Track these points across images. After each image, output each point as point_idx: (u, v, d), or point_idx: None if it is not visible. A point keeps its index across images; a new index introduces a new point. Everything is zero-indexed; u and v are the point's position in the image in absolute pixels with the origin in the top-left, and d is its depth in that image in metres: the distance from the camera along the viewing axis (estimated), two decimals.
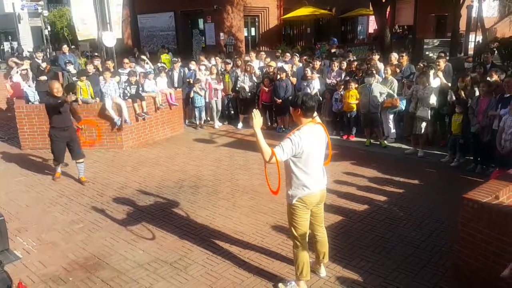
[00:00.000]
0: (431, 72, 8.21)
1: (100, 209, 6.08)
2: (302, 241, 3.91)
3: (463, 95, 7.51)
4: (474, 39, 21.68)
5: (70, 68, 10.34)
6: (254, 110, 3.61)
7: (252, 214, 5.77)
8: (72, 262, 4.71)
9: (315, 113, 3.83)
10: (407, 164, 7.78)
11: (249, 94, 10.58)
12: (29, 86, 10.99)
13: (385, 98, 8.54)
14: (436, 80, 8.16)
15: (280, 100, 9.74)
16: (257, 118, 3.51)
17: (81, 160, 7.15)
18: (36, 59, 10.76)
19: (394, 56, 9.82)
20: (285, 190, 3.85)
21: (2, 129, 10.85)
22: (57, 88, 6.80)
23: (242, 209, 5.96)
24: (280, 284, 4.13)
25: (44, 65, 10.50)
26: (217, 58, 12.38)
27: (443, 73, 8.33)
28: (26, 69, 11.43)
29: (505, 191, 3.95)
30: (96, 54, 12.76)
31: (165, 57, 15.04)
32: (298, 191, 3.75)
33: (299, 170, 3.70)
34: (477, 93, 7.27)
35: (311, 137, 3.66)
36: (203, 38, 22.32)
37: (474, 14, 22.83)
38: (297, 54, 11.81)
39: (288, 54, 12.19)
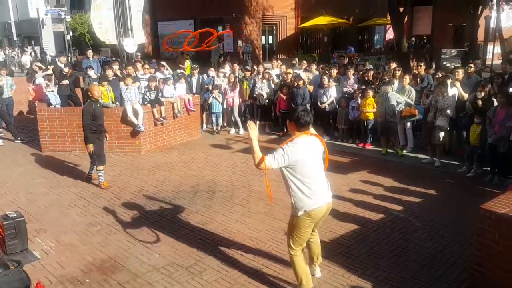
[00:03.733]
0: (449, 82, 8.15)
1: (117, 212, 6.18)
2: (298, 252, 3.95)
3: (481, 105, 7.43)
4: (492, 49, 21.44)
5: (91, 73, 10.56)
6: (249, 122, 3.87)
7: (267, 220, 5.80)
8: (89, 264, 4.80)
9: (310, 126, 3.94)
10: (423, 173, 7.71)
11: (267, 101, 10.67)
12: (51, 90, 11.25)
13: (402, 107, 8.51)
14: (453, 90, 8.10)
15: None
16: (253, 129, 3.74)
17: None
18: (58, 63, 11.01)
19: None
20: (290, 201, 3.88)
21: (23, 131, 11.10)
22: (98, 92, 6.97)
23: (257, 215, 5.99)
24: None
25: (66, 69, 10.74)
26: (234, 65, 12.49)
27: (460, 83, 8.26)
28: (51, 74, 11.69)
29: None
30: (114, 59, 12.98)
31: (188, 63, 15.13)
32: (303, 203, 3.75)
33: (298, 181, 3.74)
34: (495, 104, 7.19)
35: (304, 147, 3.73)
36: (222, 46, 22.55)
37: (492, 24, 22.57)
38: (314, 62, 11.83)
39: (305, 62, 12.23)
